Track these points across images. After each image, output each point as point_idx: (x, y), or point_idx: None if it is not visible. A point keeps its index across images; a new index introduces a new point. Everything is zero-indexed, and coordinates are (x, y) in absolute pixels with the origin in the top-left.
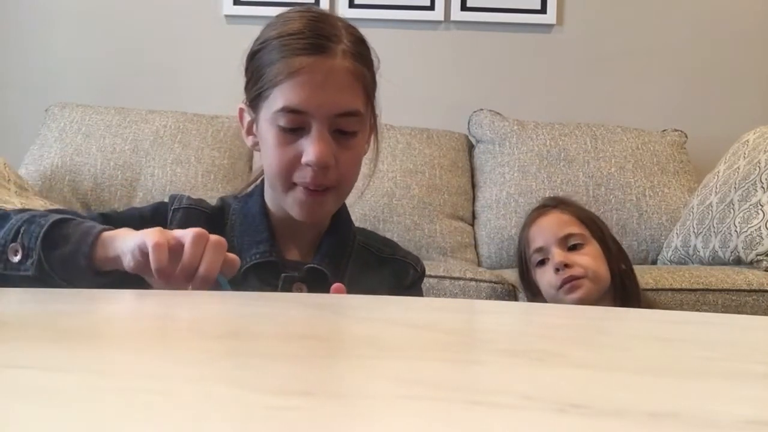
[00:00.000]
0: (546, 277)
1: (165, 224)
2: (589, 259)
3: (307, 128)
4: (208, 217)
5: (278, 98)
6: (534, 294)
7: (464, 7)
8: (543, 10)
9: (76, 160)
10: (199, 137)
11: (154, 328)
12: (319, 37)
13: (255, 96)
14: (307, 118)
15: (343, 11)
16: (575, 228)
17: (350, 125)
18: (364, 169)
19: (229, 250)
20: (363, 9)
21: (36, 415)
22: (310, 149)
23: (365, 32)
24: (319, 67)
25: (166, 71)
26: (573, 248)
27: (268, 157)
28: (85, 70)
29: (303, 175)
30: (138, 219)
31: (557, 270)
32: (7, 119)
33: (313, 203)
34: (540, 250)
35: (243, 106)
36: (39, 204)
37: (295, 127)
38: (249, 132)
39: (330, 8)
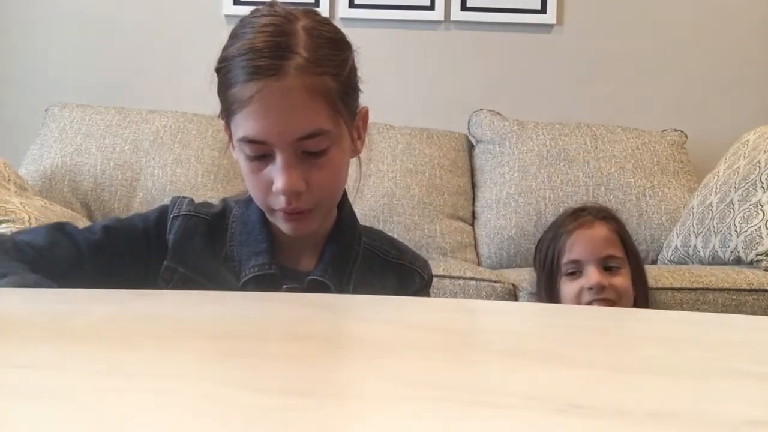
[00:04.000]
0: (572, 291)
1: (166, 232)
2: (624, 285)
3: (273, 155)
4: (208, 223)
5: (239, 127)
6: (550, 300)
7: (464, 7)
8: (543, 10)
9: (76, 160)
10: (199, 137)
11: (154, 329)
12: (271, 56)
13: (225, 116)
14: (270, 146)
15: (343, 11)
16: (617, 250)
17: (316, 145)
18: (352, 171)
19: (228, 260)
20: (363, 9)
21: (36, 415)
22: (277, 179)
23: (365, 32)
24: (271, 91)
25: (166, 71)
26: (608, 269)
27: (246, 182)
28: (85, 70)
29: (278, 202)
30: (142, 233)
31: (590, 289)
32: (7, 119)
33: (297, 223)
34: (576, 262)
35: (222, 121)
36: (39, 204)
37: (260, 154)
38: (233, 146)
39: (330, 9)
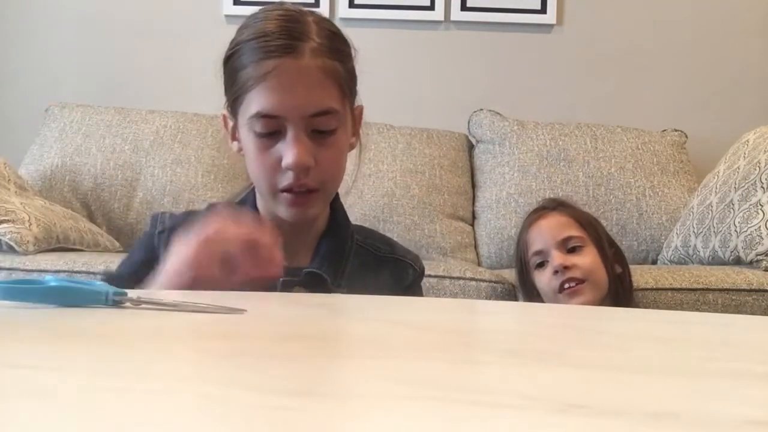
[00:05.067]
0: (545, 280)
1: (156, 251)
2: (589, 261)
3: (284, 131)
4: None
5: (251, 104)
6: (532, 297)
7: (464, 7)
8: (543, 10)
9: (76, 160)
10: (199, 137)
11: (154, 329)
12: (287, 38)
13: (232, 101)
14: (282, 122)
15: (343, 11)
16: (574, 230)
17: (327, 123)
18: (350, 164)
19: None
20: (363, 9)
21: (36, 415)
22: (288, 153)
23: (365, 32)
24: (287, 68)
25: (166, 71)
26: (572, 251)
27: (251, 164)
28: (85, 70)
29: (286, 180)
30: (154, 256)
31: (556, 272)
32: (7, 119)
33: (300, 206)
34: (539, 252)
35: (225, 112)
36: (39, 204)
37: (271, 131)
38: (233, 137)
39: (330, 9)
